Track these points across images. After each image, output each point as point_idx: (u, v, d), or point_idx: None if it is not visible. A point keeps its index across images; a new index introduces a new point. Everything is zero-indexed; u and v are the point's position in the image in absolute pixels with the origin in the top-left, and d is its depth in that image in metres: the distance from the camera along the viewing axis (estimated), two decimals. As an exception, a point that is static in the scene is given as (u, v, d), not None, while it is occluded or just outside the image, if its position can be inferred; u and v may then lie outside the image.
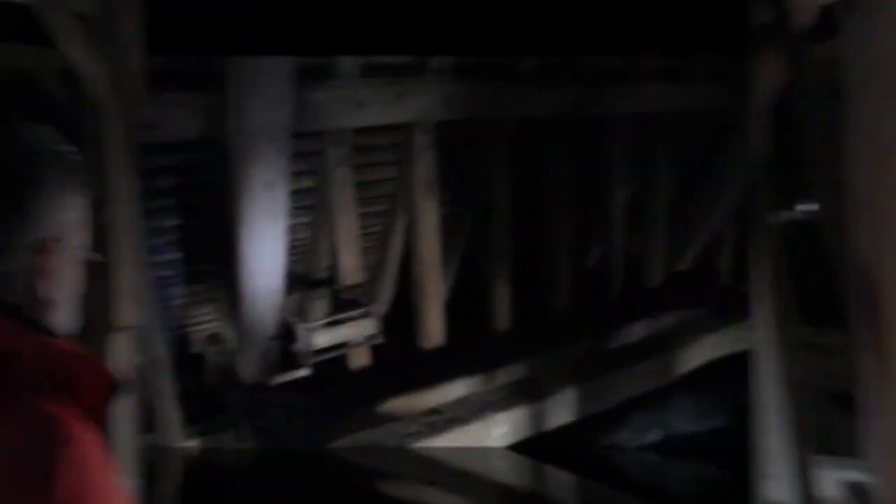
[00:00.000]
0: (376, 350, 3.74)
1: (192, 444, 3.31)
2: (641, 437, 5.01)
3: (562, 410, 3.36)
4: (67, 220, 0.61)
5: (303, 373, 3.26)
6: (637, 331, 4.60)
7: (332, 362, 3.48)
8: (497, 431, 3.12)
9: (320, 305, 4.13)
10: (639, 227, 5.02)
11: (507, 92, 3.65)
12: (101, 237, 3.15)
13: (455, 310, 4.23)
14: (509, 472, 3.24)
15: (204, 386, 4.05)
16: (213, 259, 3.64)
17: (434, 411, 3.10)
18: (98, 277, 3.38)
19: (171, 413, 3.28)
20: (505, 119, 3.86)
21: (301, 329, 3.18)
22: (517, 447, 3.23)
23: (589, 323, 4.61)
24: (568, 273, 4.58)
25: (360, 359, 3.72)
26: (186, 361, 4.17)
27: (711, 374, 4.35)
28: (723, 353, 4.21)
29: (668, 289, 5.10)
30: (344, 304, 3.59)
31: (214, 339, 4.16)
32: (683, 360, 4.01)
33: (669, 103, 4.37)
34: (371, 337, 3.46)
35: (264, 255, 2.98)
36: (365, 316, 3.42)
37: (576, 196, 4.47)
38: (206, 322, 4.13)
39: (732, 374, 4.42)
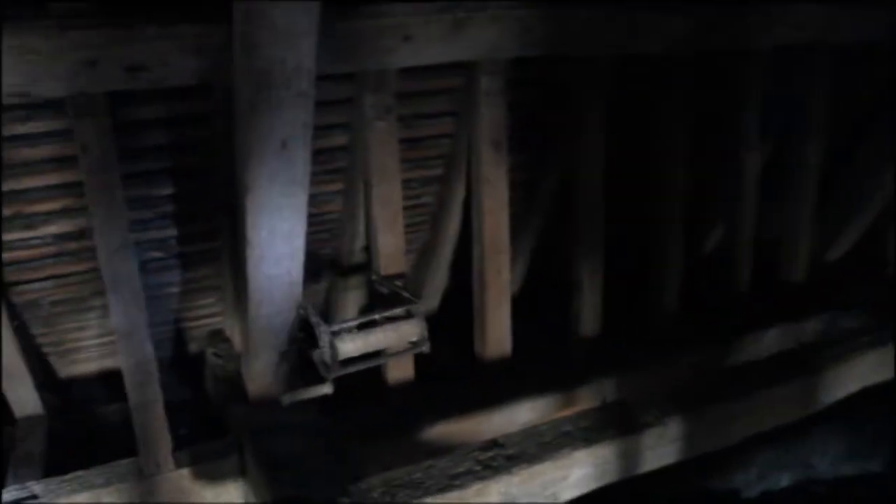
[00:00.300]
0: (421, 360, 3.66)
1: (184, 472, 3.33)
2: (768, 482, 4.90)
3: (662, 448, 3.22)
4: None
5: (325, 390, 3.22)
6: (769, 342, 4.45)
7: (365, 374, 3.42)
8: (575, 474, 3.01)
9: (352, 300, 4.11)
10: (777, 201, 4.80)
11: (602, 19, 3.49)
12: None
13: (526, 309, 4.15)
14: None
15: (202, 398, 4.09)
16: (214, 237, 3.64)
17: (493, 444, 3.00)
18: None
19: (158, 432, 3.31)
20: (598, 56, 3.70)
21: (325, 332, 3.11)
22: (599, 496, 3.13)
23: (704, 330, 4.46)
24: (679, 262, 4.43)
25: (400, 371, 3.68)
26: (181, 366, 4.23)
27: (865, 399, 4.17)
28: (887, 377, 4.00)
29: (815, 286, 4.89)
30: (382, 300, 3.52)
31: (216, 337, 4.19)
32: (833, 384, 3.82)
33: (825, 32, 4.12)
34: (415, 343, 3.38)
35: (278, 234, 2.92)
36: (408, 316, 3.33)
37: (692, 160, 4.28)
38: (207, 317, 4.16)
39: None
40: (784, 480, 5.02)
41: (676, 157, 4.23)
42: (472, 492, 2.80)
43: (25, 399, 3.83)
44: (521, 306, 4.00)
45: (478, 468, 2.88)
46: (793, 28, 3.98)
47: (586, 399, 3.89)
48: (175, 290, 3.92)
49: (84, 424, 4.08)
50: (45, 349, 4.01)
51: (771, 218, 4.85)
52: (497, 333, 3.84)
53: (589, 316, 4.16)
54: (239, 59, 2.58)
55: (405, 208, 3.64)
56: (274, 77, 2.56)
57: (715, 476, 4.76)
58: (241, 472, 3.40)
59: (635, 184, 4.48)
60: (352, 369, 3.21)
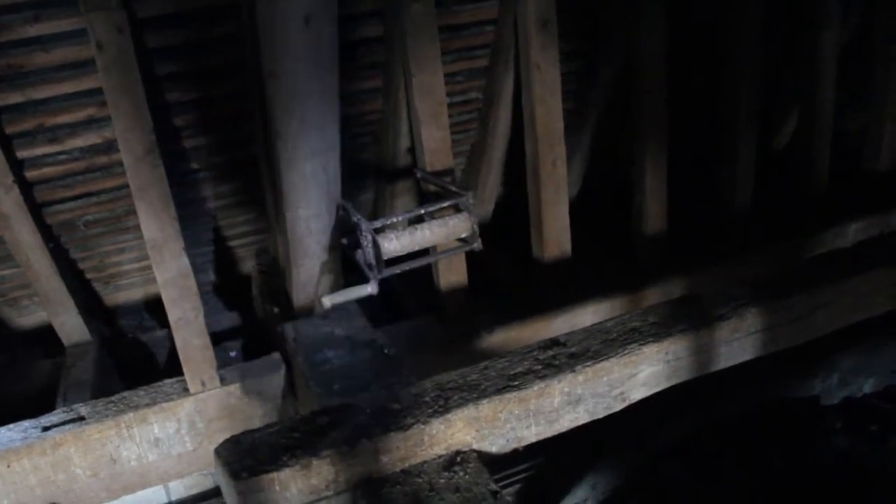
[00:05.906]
0: (475, 261, 3.48)
1: (231, 388, 3.20)
2: (850, 388, 4.69)
3: (739, 342, 2.96)
4: None
5: (369, 290, 3.00)
6: (853, 236, 4.23)
7: (413, 277, 3.23)
8: (645, 372, 2.78)
9: (399, 207, 3.92)
10: (859, 84, 4.47)
11: None
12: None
13: (586, 207, 3.93)
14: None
15: (252, 319, 3.98)
16: (249, 145, 3.45)
17: (554, 342, 2.77)
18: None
19: (201, 348, 3.18)
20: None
21: (367, 229, 2.90)
22: (667, 395, 2.89)
23: (780, 225, 4.23)
24: (751, 153, 4.12)
25: (451, 275, 3.48)
26: (230, 288, 4.12)
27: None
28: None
29: (902, 175, 4.56)
30: (428, 198, 3.31)
31: (264, 256, 4.05)
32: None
33: None
34: (466, 240, 3.16)
35: (309, 124, 2.74)
36: (457, 210, 3.11)
37: (764, 39, 3.95)
38: (251, 233, 4.02)
39: None
40: (867, 387, 4.81)
41: (747, 39, 3.90)
42: (532, 392, 2.59)
43: (72, 326, 3.74)
44: (581, 203, 3.79)
45: (538, 367, 2.65)
46: None
47: (654, 296, 3.69)
48: (213, 204, 3.75)
49: (133, 351, 4.01)
50: (88, 275, 3.91)
51: (855, 101, 4.52)
52: (555, 232, 3.62)
53: (653, 214, 3.91)
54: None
55: (450, 105, 3.42)
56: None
57: (794, 383, 4.55)
58: (290, 387, 3.26)
59: (702, 70, 4.18)
60: (398, 269, 3.00)
